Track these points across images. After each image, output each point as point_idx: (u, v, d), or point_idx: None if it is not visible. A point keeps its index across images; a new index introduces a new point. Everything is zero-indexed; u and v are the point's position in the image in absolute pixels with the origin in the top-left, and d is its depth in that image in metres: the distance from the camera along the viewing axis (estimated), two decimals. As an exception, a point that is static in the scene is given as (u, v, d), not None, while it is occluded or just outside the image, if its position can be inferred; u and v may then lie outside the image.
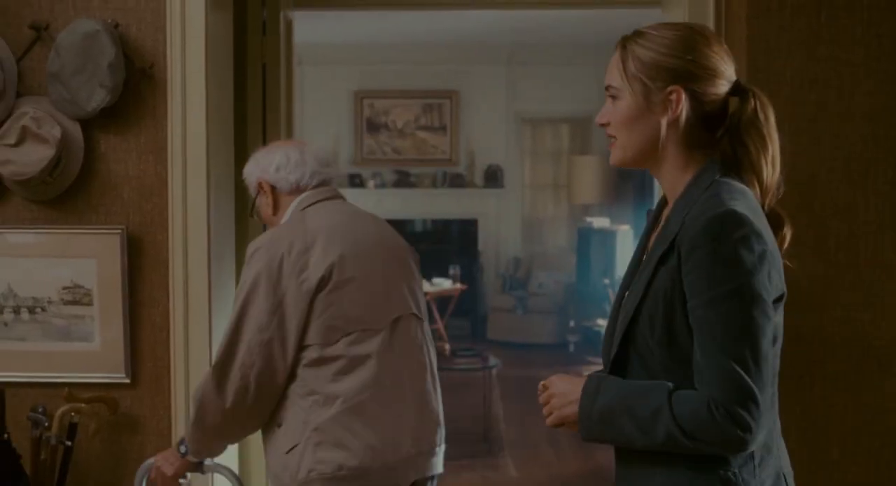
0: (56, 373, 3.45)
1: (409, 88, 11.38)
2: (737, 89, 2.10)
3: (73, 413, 3.37)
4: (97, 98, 3.32)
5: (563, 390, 2.10)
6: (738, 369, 1.88)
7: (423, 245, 11.61)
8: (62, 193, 3.44)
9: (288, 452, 2.81)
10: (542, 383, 2.16)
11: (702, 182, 2.03)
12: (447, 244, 11.70)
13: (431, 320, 10.00)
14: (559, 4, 4.84)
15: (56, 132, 3.31)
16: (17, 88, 3.40)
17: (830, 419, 3.15)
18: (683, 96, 2.03)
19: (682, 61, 2.04)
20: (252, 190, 3.13)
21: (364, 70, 11.28)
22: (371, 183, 11.35)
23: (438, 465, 2.98)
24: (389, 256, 3.02)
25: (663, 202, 2.21)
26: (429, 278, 10.42)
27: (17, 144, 3.31)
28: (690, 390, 1.92)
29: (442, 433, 3.00)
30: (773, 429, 2.04)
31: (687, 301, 1.95)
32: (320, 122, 11.09)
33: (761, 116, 2.09)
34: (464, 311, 11.05)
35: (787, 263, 2.10)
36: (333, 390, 2.80)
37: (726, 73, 2.09)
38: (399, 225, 11.61)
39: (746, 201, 1.99)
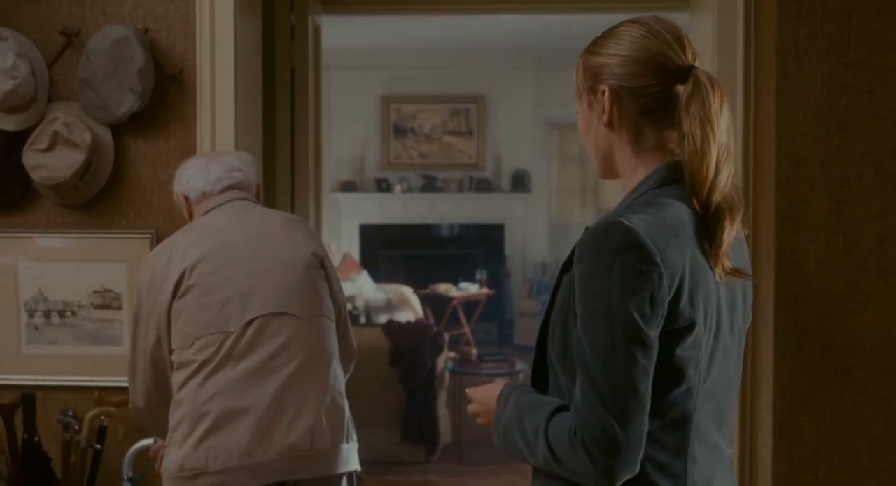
0: (86, 377, 3.48)
1: (437, 92, 11.38)
2: (682, 76, 1.85)
3: (102, 417, 3.40)
4: (127, 103, 3.35)
5: (482, 398, 2.01)
6: (596, 399, 1.69)
7: (449, 250, 11.63)
8: (92, 198, 3.47)
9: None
10: (466, 390, 2.10)
11: (637, 191, 1.89)
12: (474, 249, 11.69)
13: (458, 324, 10.03)
14: (586, 9, 4.82)
15: (87, 137, 3.33)
16: (48, 94, 3.43)
17: (861, 424, 3.12)
18: (609, 94, 1.88)
19: (607, 57, 1.89)
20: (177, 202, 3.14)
21: (391, 74, 11.29)
22: (398, 188, 11.36)
23: (321, 467, 2.84)
24: (264, 257, 2.90)
25: None
26: (455, 282, 10.42)
27: (48, 149, 3.34)
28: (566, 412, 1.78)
29: (326, 435, 2.83)
30: (680, 473, 1.80)
31: None
32: (347, 126, 11.11)
33: (697, 99, 1.82)
34: (491, 316, 11.03)
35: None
36: (183, 394, 2.80)
37: (666, 60, 1.85)
38: (426, 229, 11.68)
39: (660, 215, 1.78)
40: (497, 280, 11.13)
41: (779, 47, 3.13)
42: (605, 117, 1.89)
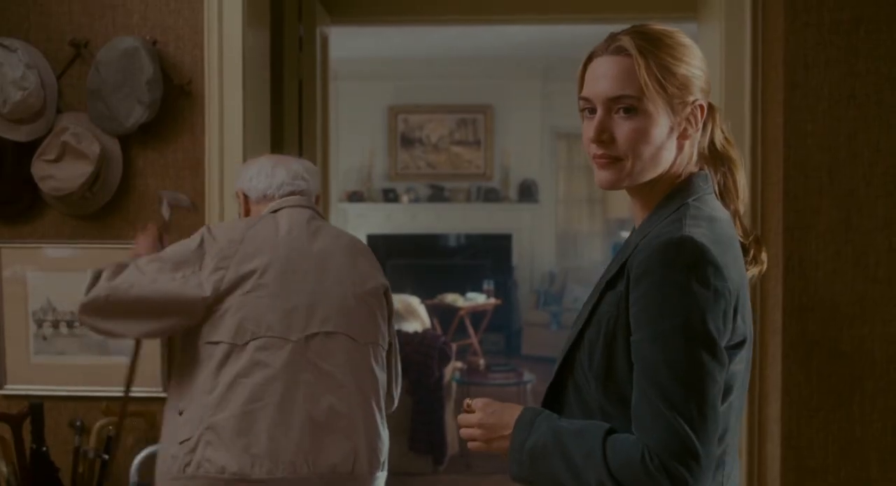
0: (94, 387, 3.50)
1: (444, 102, 11.39)
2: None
3: (110, 427, 3.40)
4: (136, 114, 3.36)
5: (493, 423, 1.88)
6: (680, 419, 1.65)
7: (457, 260, 11.63)
8: (101, 208, 3.48)
9: (182, 442, 2.77)
10: (467, 401, 1.94)
11: (671, 204, 1.85)
12: (481, 259, 11.69)
13: (465, 334, 10.02)
14: (593, 19, 4.84)
15: (95, 148, 3.35)
16: (57, 105, 3.45)
17: (870, 436, 3.12)
18: (702, 110, 1.87)
19: (693, 69, 1.85)
20: (236, 197, 3.14)
21: (398, 85, 11.31)
22: (405, 198, 11.37)
23: None
24: (330, 275, 2.91)
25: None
26: (463, 292, 10.42)
27: (57, 160, 3.36)
28: (628, 434, 1.72)
29: (364, 461, 2.84)
30: None
31: (631, 334, 1.74)
32: (355, 136, 11.13)
33: (727, 130, 1.93)
34: (498, 326, 11.02)
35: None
36: (231, 393, 2.77)
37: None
38: (433, 239, 11.68)
39: (713, 229, 1.78)
40: (505, 290, 11.13)
41: (786, 58, 3.13)
42: (691, 130, 1.86)
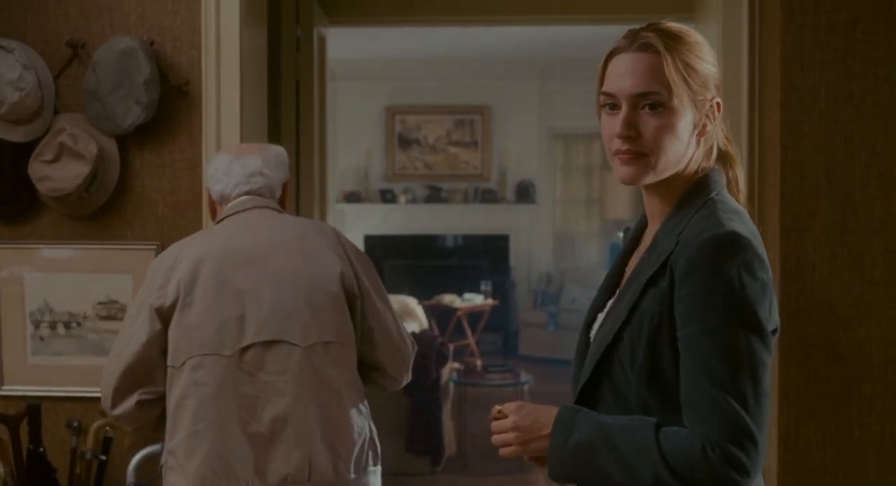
0: (91, 387, 3.45)
1: (441, 103, 11.40)
2: None
3: (107, 428, 3.40)
4: (133, 115, 3.36)
5: (529, 424, 1.87)
6: (737, 405, 1.70)
7: (454, 260, 11.64)
8: (98, 209, 3.48)
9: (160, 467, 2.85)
10: (497, 408, 1.92)
11: (696, 199, 1.88)
12: (478, 260, 11.69)
13: (462, 335, 10.02)
14: (591, 20, 4.84)
15: (92, 149, 3.34)
16: (54, 105, 3.45)
17: (868, 438, 3.12)
18: (719, 108, 1.91)
19: (711, 67, 1.90)
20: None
21: (396, 86, 11.31)
22: (402, 198, 11.37)
23: None
24: (267, 277, 2.80)
25: (644, 222, 2.06)
26: (460, 293, 10.42)
27: (54, 161, 3.36)
28: (677, 427, 1.75)
29: (324, 466, 2.76)
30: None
31: (677, 329, 1.78)
32: (352, 137, 11.14)
33: (726, 127, 1.98)
34: (495, 326, 11.02)
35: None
36: (178, 416, 2.74)
37: None
38: (430, 240, 11.69)
39: (744, 222, 1.84)
40: (502, 291, 11.14)
41: (783, 59, 3.14)
42: (710, 126, 1.90)
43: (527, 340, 10.97)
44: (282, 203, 3.01)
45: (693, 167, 1.91)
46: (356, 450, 2.82)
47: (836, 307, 3.12)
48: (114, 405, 2.80)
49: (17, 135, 3.39)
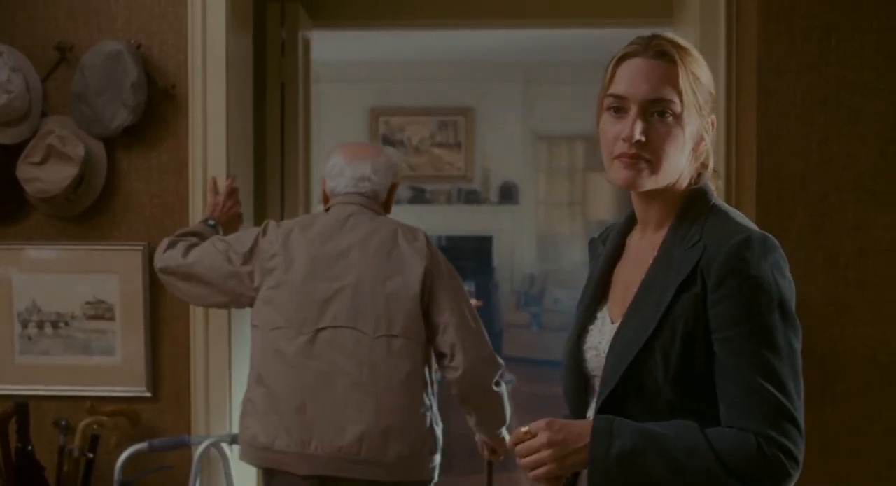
0: (79, 386, 3.53)
1: (425, 105, 11.45)
2: None
3: (95, 426, 3.43)
4: (120, 117, 3.40)
5: (563, 438, 1.81)
6: (784, 399, 1.76)
7: (438, 261, 11.66)
8: (86, 210, 3.51)
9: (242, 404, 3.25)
10: (523, 429, 1.83)
11: (699, 206, 1.92)
12: (462, 261, 11.71)
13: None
14: (573, 24, 4.90)
15: (80, 151, 3.38)
16: (42, 108, 3.48)
17: (842, 435, 3.18)
18: (714, 125, 1.95)
19: (712, 85, 1.95)
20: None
21: (380, 87, 11.36)
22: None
23: (372, 472, 3.09)
24: (352, 271, 3.17)
25: (625, 229, 2.08)
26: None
27: (42, 162, 3.39)
28: (720, 427, 1.78)
29: (375, 446, 3.08)
30: None
31: (713, 332, 1.80)
32: (336, 138, 11.08)
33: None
34: (479, 327, 11.06)
35: None
36: (259, 372, 3.17)
37: None
38: (414, 241, 11.72)
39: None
40: (485, 292, 11.18)
41: (759, 64, 3.20)
42: (708, 138, 1.93)
43: (510, 340, 11.02)
44: (387, 203, 3.41)
45: (685, 180, 1.94)
46: (411, 435, 3.12)
47: (811, 308, 3.17)
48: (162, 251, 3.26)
49: (5, 137, 3.42)
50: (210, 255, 3.21)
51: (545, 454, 1.81)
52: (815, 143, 3.17)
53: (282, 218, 4.46)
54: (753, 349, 1.77)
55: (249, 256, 3.20)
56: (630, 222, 2.10)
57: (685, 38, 3.57)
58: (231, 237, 3.28)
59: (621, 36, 2.00)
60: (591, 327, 2.02)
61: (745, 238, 1.81)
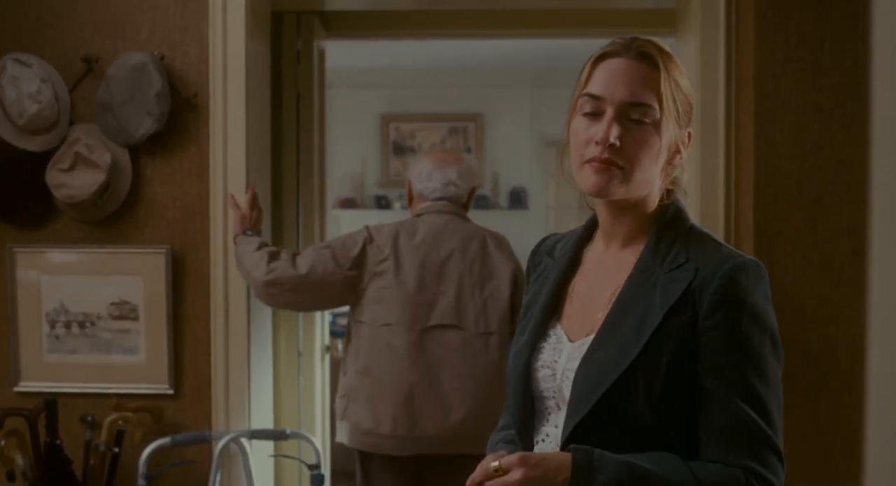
0: (104, 384, 3.63)
1: (435, 111, 11.54)
2: None
3: (120, 422, 3.53)
4: (145, 126, 3.52)
5: (541, 474, 1.66)
6: (770, 432, 1.70)
7: (448, 265, 11.72)
8: (111, 215, 3.62)
9: (341, 397, 3.66)
10: (493, 465, 1.67)
11: (677, 225, 1.82)
12: (472, 264, 11.81)
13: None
14: (579, 34, 4.99)
15: (106, 158, 3.50)
16: (69, 117, 3.60)
17: (834, 429, 3.23)
18: (691, 138, 1.86)
19: (692, 99, 1.86)
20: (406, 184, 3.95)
21: (390, 94, 11.44)
22: (397, 204, 11.50)
23: (466, 448, 3.44)
24: (454, 273, 3.60)
25: (583, 240, 1.99)
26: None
27: (70, 169, 3.51)
28: (701, 461, 1.71)
29: (470, 438, 3.48)
30: None
31: (701, 359, 1.70)
32: (348, 144, 11.28)
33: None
34: (488, 330, 11.13)
35: None
36: (368, 364, 3.56)
37: None
38: (425, 245, 11.79)
39: None
40: (495, 295, 11.24)
41: (757, 72, 3.28)
42: (684, 152, 1.83)
43: (519, 343, 11.08)
44: (466, 204, 3.84)
45: (656, 195, 1.84)
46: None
47: (806, 306, 3.26)
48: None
49: (34, 145, 3.54)
50: (322, 262, 3.56)
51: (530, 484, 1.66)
52: (810, 147, 3.25)
53: (298, 219, 4.57)
54: (742, 378, 1.69)
55: (358, 261, 3.59)
56: (587, 234, 2.00)
57: (687, 46, 3.71)
58: (334, 243, 3.65)
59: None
60: (544, 344, 1.87)
61: (740, 263, 1.72)
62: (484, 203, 11.80)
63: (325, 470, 4.37)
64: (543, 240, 2.13)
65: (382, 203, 11.48)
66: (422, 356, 3.54)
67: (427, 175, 3.78)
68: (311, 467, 3.55)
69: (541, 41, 8.78)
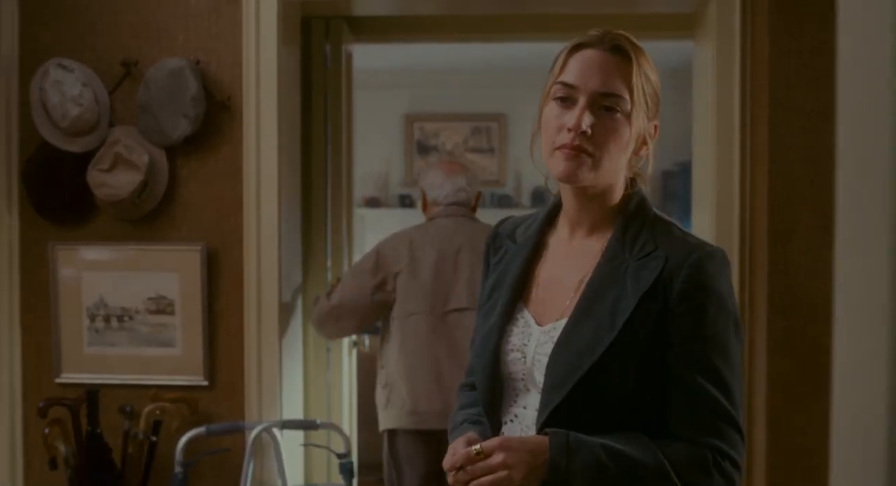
0: (142, 375, 3.74)
1: (458, 111, 11.63)
2: None
3: (157, 412, 3.64)
4: (181, 128, 3.63)
5: (521, 458, 1.72)
6: (733, 411, 1.75)
7: (471, 264, 11.79)
8: (148, 213, 3.73)
9: (383, 387, 4.06)
10: (474, 449, 1.75)
11: (643, 214, 1.87)
12: (494, 263, 11.88)
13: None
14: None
15: (144, 159, 3.62)
16: (109, 119, 3.71)
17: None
18: (657, 130, 1.91)
19: (659, 93, 1.90)
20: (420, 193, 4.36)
21: (414, 94, 11.54)
22: (420, 204, 11.61)
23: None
24: (466, 263, 3.98)
25: (545, 225, 2.01)
26: (477, 295, 10.61)
27: (110, 169, 3.63)
28: (668, 440, 1.76)
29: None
30: None
31: (671, 344, 1.76)
32: (373, 144, 11.38)
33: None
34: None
35: None
36: (402, 352, 3.97)
37: None
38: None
39: None
40: (517, 293, 11.31)
41: (771, 78, 3.36)
42: (651, 144, 1.88)
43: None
44: (474, 207, 4.26)
45: (621, 184, 1.89)
46: None
47: (818, 303, 3.34)
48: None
49: (76, 146, 3.66)
50: (348, 286, 4.04)
51: (503, 474, 1.72)
52: (822, 150, 3.33)
53: (326, 217, 4.68)
54: (708, 360, 1.74)
55: (376, 267, 4.01)
56: (549, 220, 2.04)
57: (704, 52, 3.81)
58: (353, 267, 4.15)
59: (646, 48, 1.92)
60: (512, 327, 1.91)
61: (708, 252, 1.78)
62: (507, 202, 11.87)
63: (353, 459, 4.48)
64: (501, 222, 2.14)
65: (406, 202, 11.57)
66: (444, 337, 3.94)
67: (440, 183, 4.21)
68: (340, 455, 3.66)
69: (563, 44, 8.89)
